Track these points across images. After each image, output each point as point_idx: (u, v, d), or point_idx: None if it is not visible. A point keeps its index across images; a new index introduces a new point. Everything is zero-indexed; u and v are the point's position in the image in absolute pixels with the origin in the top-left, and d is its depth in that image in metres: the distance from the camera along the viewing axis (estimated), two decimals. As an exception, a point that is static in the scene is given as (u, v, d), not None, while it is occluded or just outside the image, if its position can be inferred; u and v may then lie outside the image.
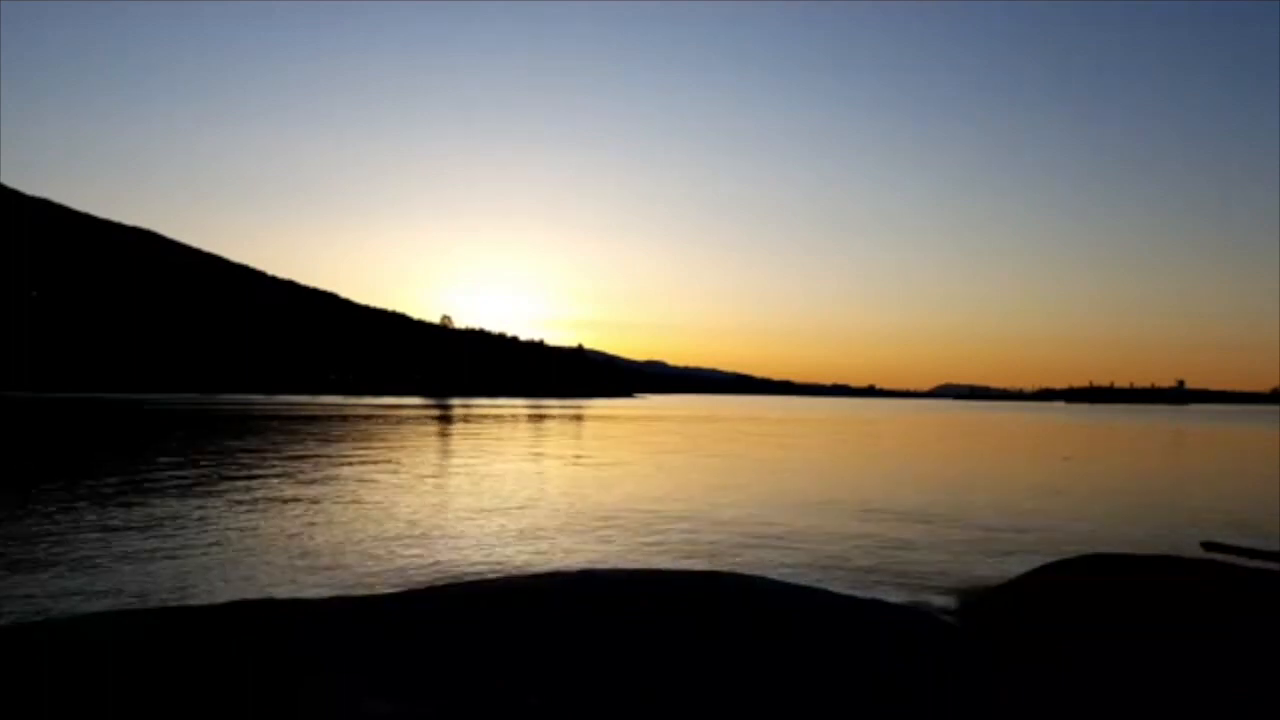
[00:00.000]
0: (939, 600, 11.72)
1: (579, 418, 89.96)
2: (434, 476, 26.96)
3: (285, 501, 20.09)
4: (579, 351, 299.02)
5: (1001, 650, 8.96)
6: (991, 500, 23.92)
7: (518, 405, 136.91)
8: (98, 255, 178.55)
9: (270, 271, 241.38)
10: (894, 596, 11.78)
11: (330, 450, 36.59)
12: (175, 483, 23.20)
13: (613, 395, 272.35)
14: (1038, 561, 14.15)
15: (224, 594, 11.16)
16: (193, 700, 6.44)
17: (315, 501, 20.20)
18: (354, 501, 20.43)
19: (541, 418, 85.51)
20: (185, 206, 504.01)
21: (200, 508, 18.73)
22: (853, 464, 37.63)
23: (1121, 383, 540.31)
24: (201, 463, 29.25)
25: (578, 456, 37.40)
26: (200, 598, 10.96)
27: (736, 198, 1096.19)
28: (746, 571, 13.04)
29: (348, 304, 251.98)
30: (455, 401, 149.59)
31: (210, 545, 14.62)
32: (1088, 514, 21.26)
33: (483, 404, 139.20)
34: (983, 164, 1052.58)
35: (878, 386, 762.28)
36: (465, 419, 76.97)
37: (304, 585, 11.87)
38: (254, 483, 23.66)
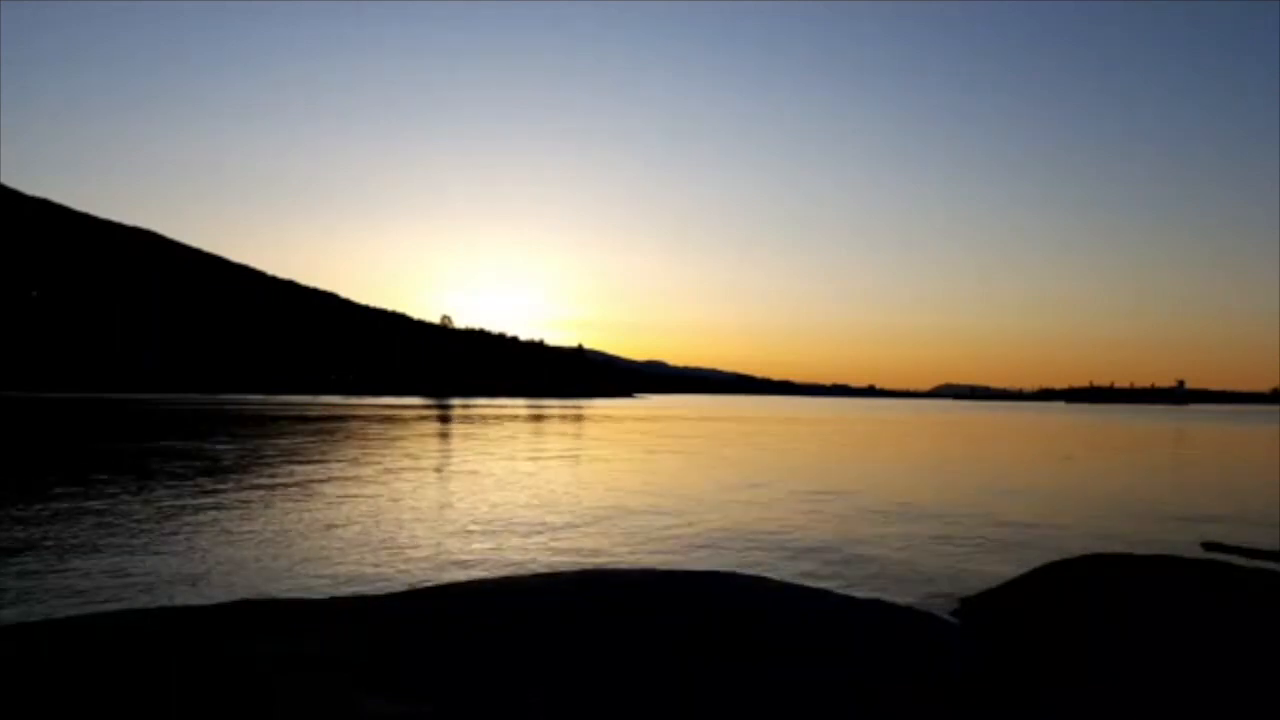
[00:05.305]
0: (940, 600, 11.71)
1: (579, 418, 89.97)
2: (443, 480, 26.94)
3: (288, 502, 20.09)
4: (579, 351, 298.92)
5: (1003, 650, 8.96)
6: (993, 500, 23.92)
7: (518, 405, 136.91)
8: (98, 255, 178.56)
9: (270, 271, 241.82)
10: (895, 597, 11.78)
11: (333, 450, 36.59)
12: (176, 483, 23.20)
13: (612, 395, 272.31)
14: (1039, 561, 14.15)
15: (226, 593, 11.15)
16: (193, 700, 6.43)
17: (317, 502, 20.21)
18: (356, 502, 20.44)
19: (541, 418, 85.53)
20: (185, 206, 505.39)
21: (202, 508, 18.72)
22: (855, 464, 37.63)
23: (1121, 383, 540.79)
24: (203, 463, 29.24)
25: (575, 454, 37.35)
26: (202, 597, 10.95)
27: (737, 198, 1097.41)
28: (748, 571, 13.04)
29: (348, 304, 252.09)
30: (455, 402, 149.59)
31: (212, 545, 14.61)
32: (1088, 514, 21.26)
33: (483, 404, 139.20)
34: (983, 164, 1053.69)
35: (878, 386, 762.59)
36: (465, 420, 76.97)
37: (305, 584, 11.87)
38: (256, 483, 23.66)
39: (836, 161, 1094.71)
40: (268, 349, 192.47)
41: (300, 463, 30.11)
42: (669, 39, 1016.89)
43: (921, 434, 71.21)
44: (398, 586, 11.75)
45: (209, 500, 19.93)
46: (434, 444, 43.14)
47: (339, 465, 29.73)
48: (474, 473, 28.19)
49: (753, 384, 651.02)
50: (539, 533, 16.82)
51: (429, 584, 11.93)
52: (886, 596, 11.71)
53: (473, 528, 17.16)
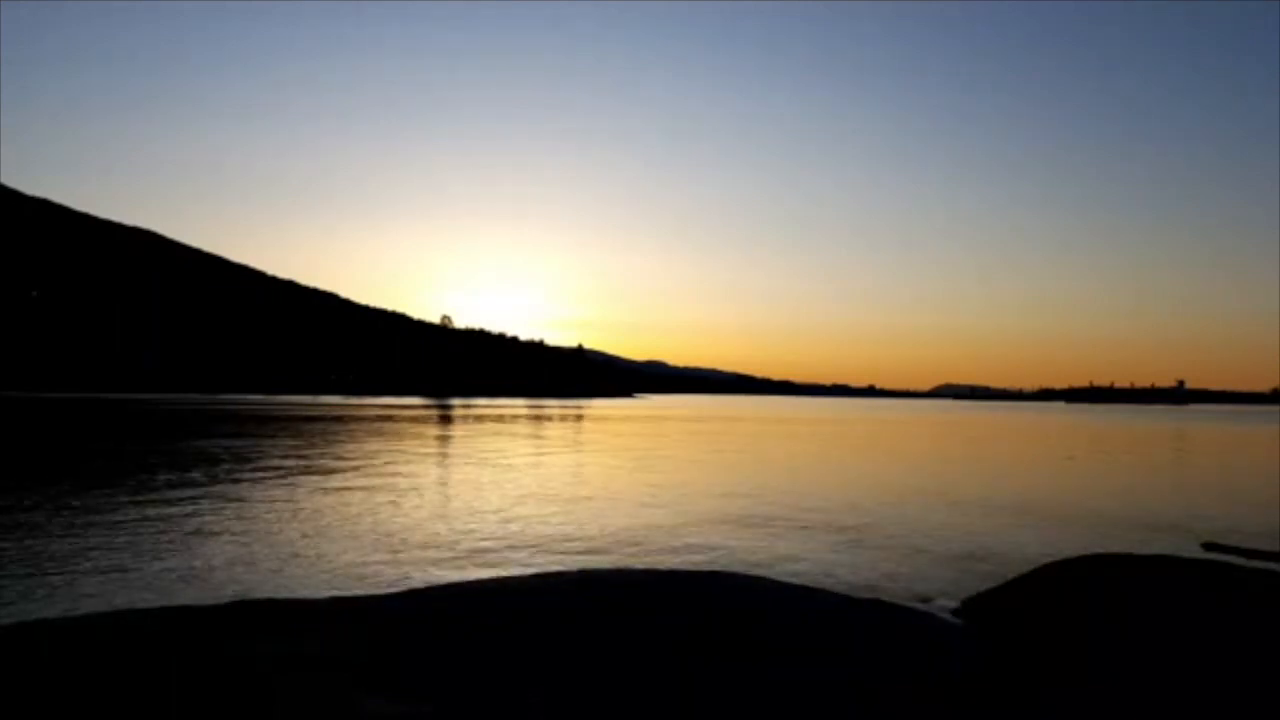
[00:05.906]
0: (940, 600, 11.71)
1: (579, 418, 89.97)
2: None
3: (287, 502, 20.09)
4: (579, 352, 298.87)
5: (1003, 650, 8.96)
6: (993, 500, 23.92)
7: (518, 405, 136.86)
8: (98, 255, 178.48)
9: (270, 271, 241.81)
10: (895, 597, 11.78)
11: (332, 450, 36.59)
12: (175, 483, 23.19)
13: (612, 395, 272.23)
14: (1039, 561, 14.14)
15: (225, 593, 11.15)
16: (193, 700, 6.43)
17: (317, 502, 20.21)
18: (357, 501, 20.43)
19: (541, 418, 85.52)
20: (185, 206, 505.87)
21: (201, 507, 18.72)
22: (855, 464, 37.61)
23: (1122, 383, 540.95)
24: (203, 463, 29.24)
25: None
26: (202, 597, 10.95)
27: (737, 198, 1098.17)
28: (747, 571, 13.03)
29: (348, 304, 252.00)
30: (455, 402, 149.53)
31: (211, 545, 14.61)
32: (1089, 513, 21.26)
33: (483, 404, 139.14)
34: (983, 164, 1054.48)
35: (878, 386, 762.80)
36: (465, 420, 76.95)
37: (306, 585, 11.86)
38: (256, 483, 23.66)
39: (836, 161, 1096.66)
40: (268, 349, 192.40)
41: (300, 463, 30.11)
42: (669, 39, 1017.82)
43: (922, 434, 71.17)
44: (397, 586, 11.75)
45: (208, 500, 19.93)
46: (434, 444, 43.14)
47: (338, 465, 29.73)
48: (476, 466, 28.19)
49: (753, 384, 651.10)
50: (537, 528, 16.83)
51: (429, 584, 11.92)
52: (886, 596, 11.70)
53: (471, 526, 17.17)
